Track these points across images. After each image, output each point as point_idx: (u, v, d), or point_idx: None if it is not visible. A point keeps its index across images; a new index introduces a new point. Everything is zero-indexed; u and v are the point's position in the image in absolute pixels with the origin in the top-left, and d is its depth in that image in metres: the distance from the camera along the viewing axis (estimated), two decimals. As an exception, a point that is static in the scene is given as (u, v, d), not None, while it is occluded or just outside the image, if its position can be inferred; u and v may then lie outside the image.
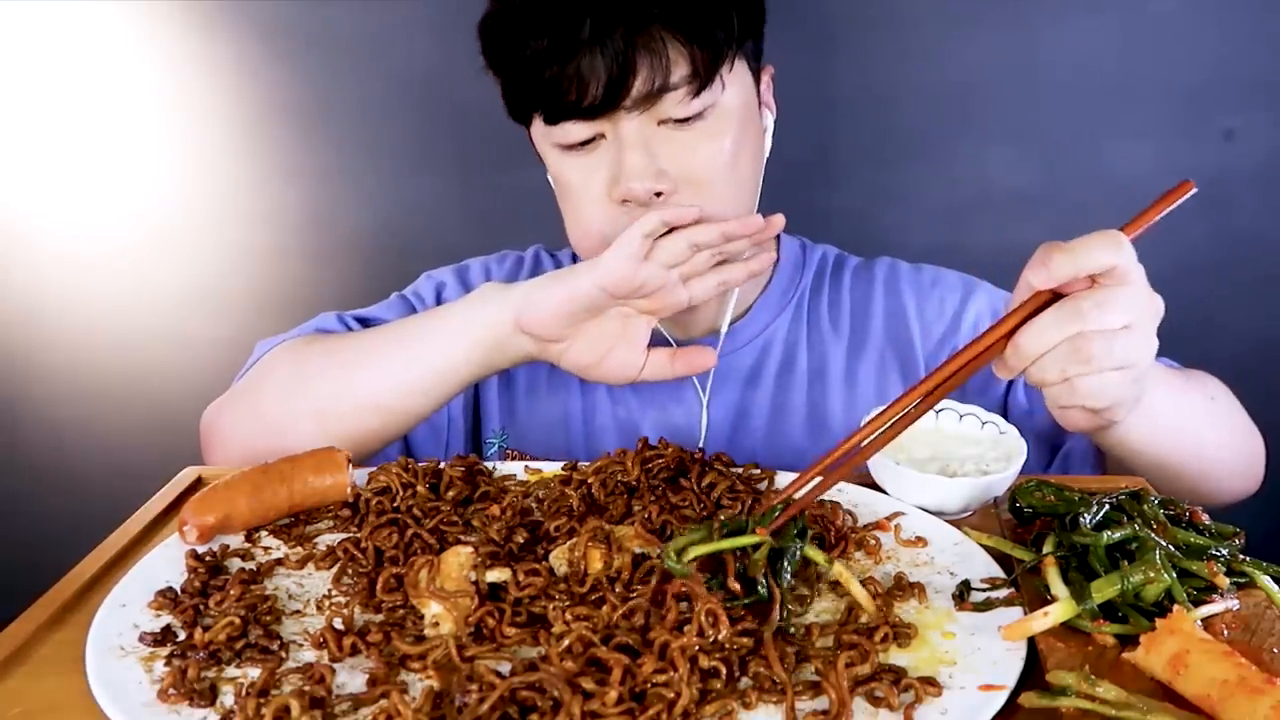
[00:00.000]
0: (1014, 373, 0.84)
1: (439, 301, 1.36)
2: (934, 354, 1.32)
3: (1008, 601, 0.80)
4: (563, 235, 1.24)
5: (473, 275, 1.41)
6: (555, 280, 1.10)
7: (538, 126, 1.16)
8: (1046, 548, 0.80)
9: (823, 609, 0.82)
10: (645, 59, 1.06)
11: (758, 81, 1.21)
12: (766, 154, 1.26)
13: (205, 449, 1.23)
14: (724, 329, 1.30)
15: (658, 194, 1.11)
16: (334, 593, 0.86)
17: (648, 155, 1.10)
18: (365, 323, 1.31)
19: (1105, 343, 0.80)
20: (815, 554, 0.83)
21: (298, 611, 0.83)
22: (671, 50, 1.06)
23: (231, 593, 0.82)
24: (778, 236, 1.42)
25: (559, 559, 0.86)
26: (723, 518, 0.84)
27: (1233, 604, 0.76)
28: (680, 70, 1.08)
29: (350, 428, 1.14)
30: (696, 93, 1.09)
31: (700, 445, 1.22)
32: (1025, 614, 0.75)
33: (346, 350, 1.19)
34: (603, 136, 1.12)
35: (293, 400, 1.17)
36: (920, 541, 0.92)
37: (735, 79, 1.14)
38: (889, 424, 0.85)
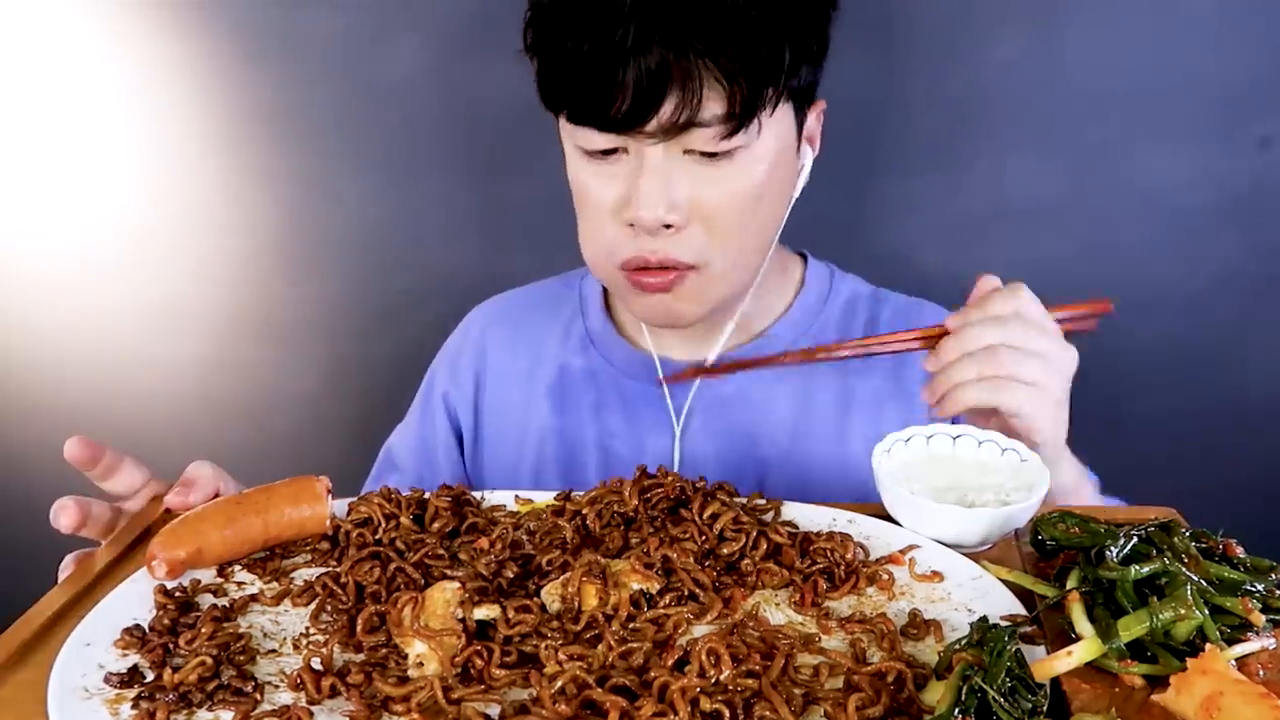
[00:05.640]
0: (938, 365, 1.04)
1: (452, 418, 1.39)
2: None
3: (1030, 640, 0.78)
4: (573, 243, 1.22)
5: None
6: None
7: (564, 123, 1.13)
8: (1070, 583, 0.79)
9: (832, 647, 0.79)
10: (677, 88, 1.01)
11: (802, 117, 1.17)
12: (798, 193, 1.23)
13: None
14: (710, 358, 1.29)
15: (667, 226, 1.09)
16: (312, 631, 0.85)
17: (664, 184, 1.08)
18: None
19: (1014, 355, 1.00)
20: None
21: (273, 651, 0.82)
22: (708, 85, 1.02)
23: (203, 631, 0.81)
24: (805, 259, 1.40)
25: (551, 595, 0.85)
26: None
27: (1269, 642, 0.75)
28: (714, 108, 1.03)
29: None
30: (728, 135, 1.06)
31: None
32: (1048, 653, 0.73)
33: None
34: (625, 151, 1.10)
35: None
36: (936, 576, 0.91)
37: (775, 122, 1.10)
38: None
